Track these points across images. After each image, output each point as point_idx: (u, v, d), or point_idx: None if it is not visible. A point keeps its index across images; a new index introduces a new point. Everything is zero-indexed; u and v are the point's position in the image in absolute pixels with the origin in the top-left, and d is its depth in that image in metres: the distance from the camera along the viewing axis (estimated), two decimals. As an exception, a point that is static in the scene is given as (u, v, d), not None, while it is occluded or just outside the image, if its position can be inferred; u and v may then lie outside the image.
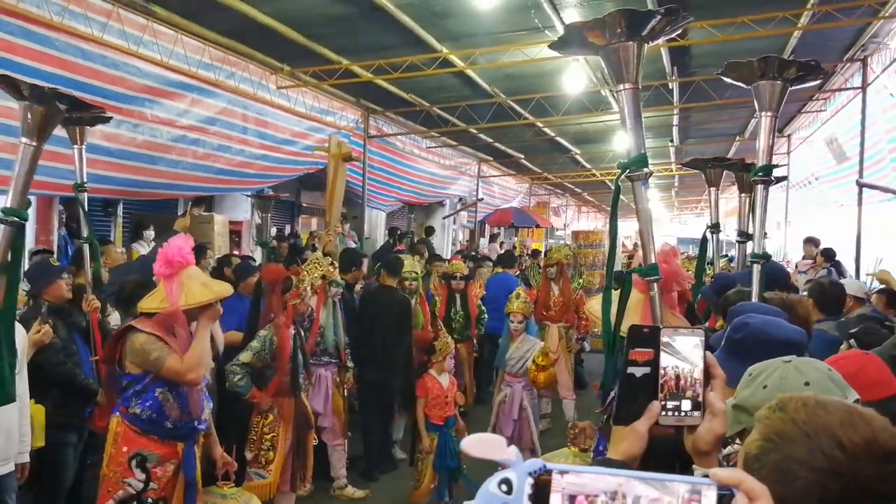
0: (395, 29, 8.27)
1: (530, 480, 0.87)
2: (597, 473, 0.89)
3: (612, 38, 2.49)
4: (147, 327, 3.54)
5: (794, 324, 2.40)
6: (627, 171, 2.64)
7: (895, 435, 1.13)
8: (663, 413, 1.32)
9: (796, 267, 11.01)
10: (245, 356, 4.85)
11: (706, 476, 1.16)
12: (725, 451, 1.37)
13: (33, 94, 2.91)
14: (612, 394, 3.05)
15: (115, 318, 5.33)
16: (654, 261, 2.63)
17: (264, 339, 4.91)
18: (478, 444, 0.93)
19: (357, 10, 7.75)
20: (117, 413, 3.63)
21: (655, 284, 2.64)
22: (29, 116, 2.91)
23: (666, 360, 1.32)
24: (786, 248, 16.04)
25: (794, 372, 1.72)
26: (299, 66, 9.70)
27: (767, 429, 1.19)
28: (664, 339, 1.32)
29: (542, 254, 15.12)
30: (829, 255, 9.87)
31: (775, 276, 4.05)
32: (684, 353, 1.33)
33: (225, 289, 3.86)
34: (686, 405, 1.33)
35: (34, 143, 2.94)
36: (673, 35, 2.56)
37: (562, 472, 0.88)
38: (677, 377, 1.33)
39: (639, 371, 1.33)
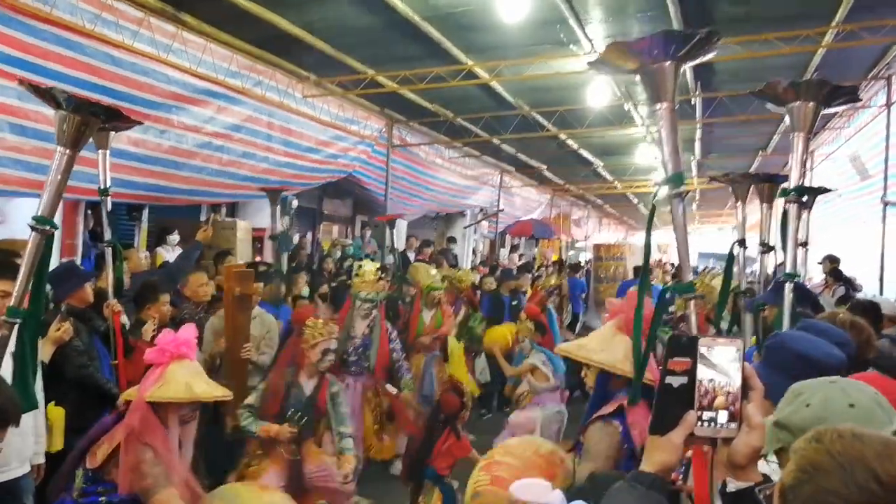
0: (421, 41, 8.33)
1: None
2: None
3: (650, 58, 2.51)
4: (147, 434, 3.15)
5: (856, 344, 2.38)
6: (664, 188, 2.64)
7: None
8: (699, 424, 1.31)
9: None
10: (251, 398, 4.81)
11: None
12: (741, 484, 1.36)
13: (70, 104, 2.95)
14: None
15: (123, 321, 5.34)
16: (690, 278, 2.66)
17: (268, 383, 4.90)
18: (525, 489, 0.98)
19: (384, 22, 7.82)
20: None
21: (692, 303, 2.66)
22: (64, 126, 2.96)
23: (703, 370, 1.31)
24: (807, 264, 15.89)
25: (840, 393, 1.67)
26: (325, 75, 9.79)
27: (803, 459, 1.17)
28: (701, 349, 1.32)
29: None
30: (836, 275, 9.63)
31: (802, 295, 4.00)
32: (722, 363, 1.32)
33: (209, 393, 3.35)
34: (723, 417, 1.31)
35: (69, 152, 2.99)
36: (708, 57, 2.58)
37: None
38: (714, 388, 1.32)
39: (676, 381, 1.32)
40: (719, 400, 1.31)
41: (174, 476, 3.15)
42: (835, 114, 12.27)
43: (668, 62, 2.52)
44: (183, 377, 3.27)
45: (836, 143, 13.77)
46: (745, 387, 1.32)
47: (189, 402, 3.28)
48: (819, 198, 14.53)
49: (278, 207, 8.52)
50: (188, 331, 3.46)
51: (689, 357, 1.31)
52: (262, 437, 4.65)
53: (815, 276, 12.15)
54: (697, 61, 2.63)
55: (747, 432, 1.30)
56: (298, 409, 4.77)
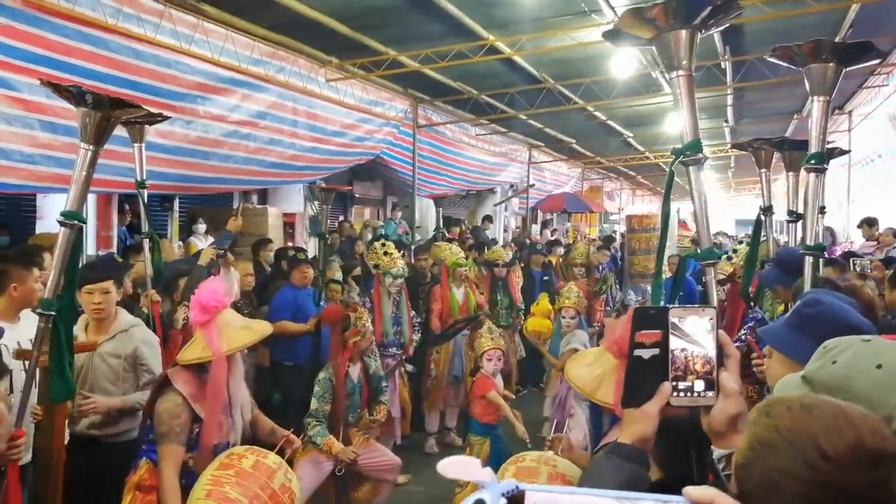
0: (441, 18, 8.27)
1: (503, 501, 0.86)
2: (570, 493, 0.89)
3: (665, 26, 2.45)
4: (180, 383, 3.38)
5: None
6: (682, 156, 2.61)
7: (885, 437, 1.05)
8: (675, 394, 1.31)
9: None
10: (314, 404, 4.88)
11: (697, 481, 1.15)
12: (723, 451, 1.33)
13: (90, 100, 2.98)
14: None
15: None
16: (709, 245, 2.64)
17: (324, 382, 4.97)
18: (452, 466, 0.93)
19: (403, 1, 7.78)
20: (146, 459, 3.42)
21: (711, 269, 2.64)
22: (87, 122, 3.00)
23: (675, 340, 1.30)
24: (849, 228, 15.58)
25: (870, 352, 1.57)
26: (347, 58, 9.78)
27: (753, 436, 1.13)
28: (673, 319, 1.30)
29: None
30: None
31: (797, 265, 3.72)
32: (695, 332, 1.30)
33: (265, 328, 3.69)
34: (699, 385, 1.30)
35: (92, 148, 3.03)
36: (727, 24, 2.52)
37: (535, 492, 0.88)
38: (688, 357, 1.30)
39: (646, 353, 1.31)
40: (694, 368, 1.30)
41: (213, 418, 3.31)
42: (872, 72, 11.96)
43: (684, 30, 2.47)
44: (235, 324, 3.50)
45: (874, 103, 13.44)
46: (721, 355, 1.31)
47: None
48: (858, 159, 14.27)
49: (302, 188, 8.55)
50: (217, 282, 3.60)
51: (660, 329, 1.30)
52: (325, 450, 4.74)
53: (856, 237, 11.93)
54: (716, 29, 2.57)
55: (724, 400, 1.30)
56: (354, 399, 5.04)
